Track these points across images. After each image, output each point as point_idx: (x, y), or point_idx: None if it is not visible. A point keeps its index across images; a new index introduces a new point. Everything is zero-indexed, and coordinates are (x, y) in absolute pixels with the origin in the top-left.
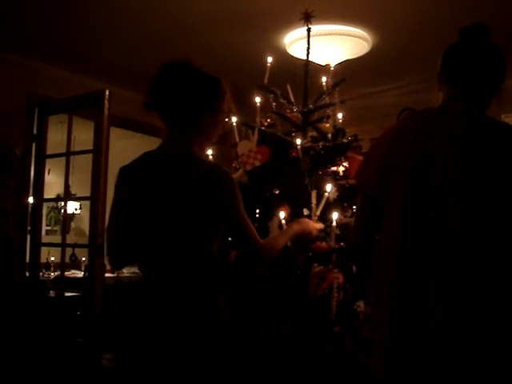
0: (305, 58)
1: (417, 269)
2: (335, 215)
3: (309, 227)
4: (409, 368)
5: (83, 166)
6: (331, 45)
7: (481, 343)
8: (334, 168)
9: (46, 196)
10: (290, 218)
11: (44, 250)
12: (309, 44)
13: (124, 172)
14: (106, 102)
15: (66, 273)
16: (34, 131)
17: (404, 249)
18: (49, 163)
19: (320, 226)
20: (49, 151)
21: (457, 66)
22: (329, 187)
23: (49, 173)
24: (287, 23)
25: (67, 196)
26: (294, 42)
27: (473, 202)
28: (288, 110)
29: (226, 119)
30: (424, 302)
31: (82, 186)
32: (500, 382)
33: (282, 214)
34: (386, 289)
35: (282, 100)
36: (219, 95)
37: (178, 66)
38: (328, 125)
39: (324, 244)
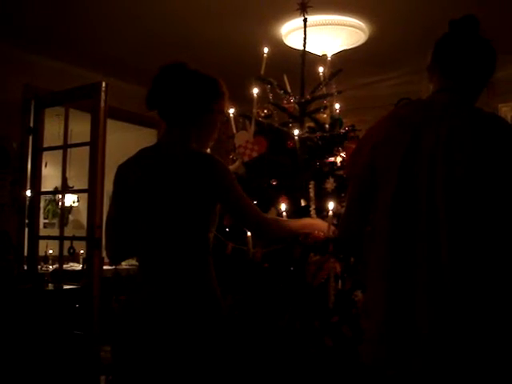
0: (301, 48)
1: (406, 260)
2: (331, 205)
3: (320, 226)
4: (396, 357)
5: (80, 158)
6: (328, 35)
7: (468, 332)
8: (332, 158)
9: (43, 189)
10: (288, 209)
11: (42, 243)
12: (305, 34)
13: (121, 169)
14: (103, 93)
15: (65, 266)
16: (31, 124)
17: (392, 245)
18: (46, 156)
19: (333, 229)
20: (46, 144)
21: (447, 57)
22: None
23: (46, 166)
24: (283, 14)
25: (65, 189)
26: (291, 32)
27: (461, 195)
28: (285, 101)
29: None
30: (412, 290)
31: (79, 179)
32: (490, 362)
33: (284, 206)
34: (376, 278)
35: (278, 91)
36: (216, 95)
37: (174, 68)
38: (325, 115)
39: (320, 234)
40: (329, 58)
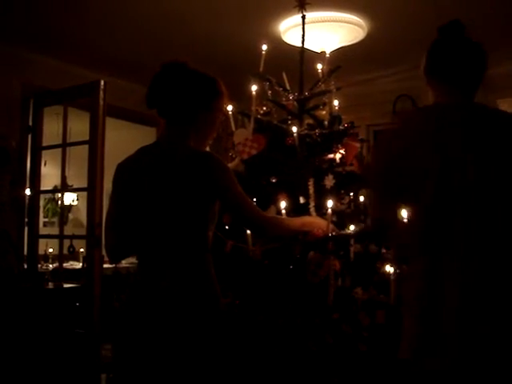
0: (300, 45)
1: (441, 260)
2: (330, 202)
3: (320, 224)
4: (433, 353)
5: (79, 157)
6: (326, 32)
7: (497, 326)
8: (331, 155)
9: (42, 188)
10: (288, 207)
11: (42, 241)
12: (304, 31)
13: (121, 167)
14: (102, 92)
15: (65, 264)
16: (30, 123)
17: (428, 245)
18: (45, 155)
19: (332, 226)
20: (45, 143)
21: (444, 64)
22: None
23: (45, 164)
24: (282, 10)
25: (64, 187)
26: (289, 29)
27: (493, 198)
28: (284, 98)
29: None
30: (444, 283)
31: (78, 177)
32: None
33: (283, 204)
34: (413, 277)
35: (277, 88)
36: (215, 94)
37: (174, 67)
38: (324, 112)
39: (320, 231)
40: (327, 55)
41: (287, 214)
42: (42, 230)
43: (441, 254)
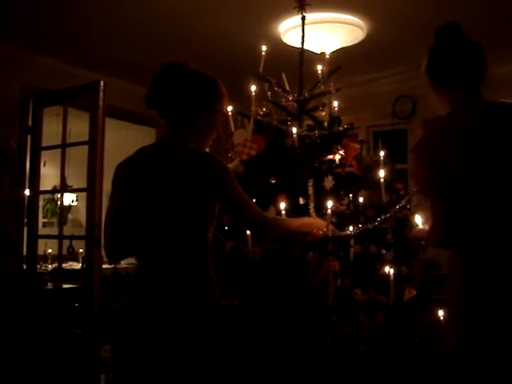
0: (300, 46)
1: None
2: (330, 203)
3: (319, 225)
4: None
5: (79, 157)
6: (326, 33)
7: None
8: (331, 156)
9: (42, 188)
10: (287, 207)
11: (41, 242)
12: (303, 32)
13: (120, 167)
14: (101, 92)
15: (64, 265)
16: (29, 123)
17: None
18: (44, 155)
19: (331, 227)
20: (44, 143)
21: (447, 64)
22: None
23: (44, 165)
24: (282, 11)
25: (63, 188)
26: (289, 30)
27: None
28: (283, 99)
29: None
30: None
31: (78, 178)
32: None
33: (283, 205)
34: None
35: (277, 89)
36: (215, 95)
37: (175, 67)
38: (324, 113)
39: (319, 232)
40: (327, 56)
41: (287, 214)
42: (42, 231)
43: (486, 252)
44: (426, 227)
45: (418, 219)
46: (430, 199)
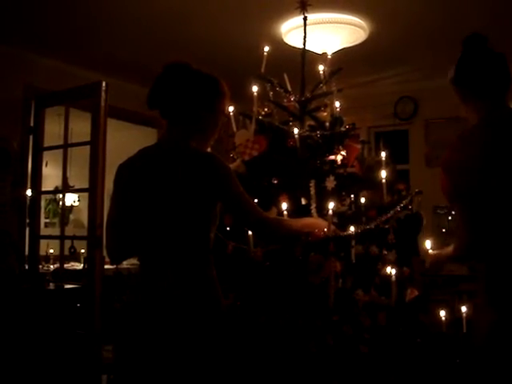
0: (301, 46)
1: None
2: (332, 204)
3: (321, 225)
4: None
5: (81, 157)
6: (328, 33)
7: None
8: (332, 157)
9: (44, 188)
10: (289, 208)
11: (43, 242)
12: (305, 33)
13: (122, 168)
14: (103, 93)
15: (66, 265)
16: (31, 123)
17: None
18: (46, 155)
19: (333, 228)
20: (46, 143)
21: (481, 78)
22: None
23: (46, 165)
24: (283, 12)
25: (65, 188)
26: (291, 30)
27: None
28: (285, 99)
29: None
30: None
31: (80, 178)
32: None
33: (285, 205)
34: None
35: (279, 89)
36: (218, 95)
37: (177, 67)
38: (325, 113)
39: (321, 233)
40: (329, 57)
41: (288, 215)
42: (43, 231)
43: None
44: (441, 250)
45: (428, 244)
46: (460, 210)
